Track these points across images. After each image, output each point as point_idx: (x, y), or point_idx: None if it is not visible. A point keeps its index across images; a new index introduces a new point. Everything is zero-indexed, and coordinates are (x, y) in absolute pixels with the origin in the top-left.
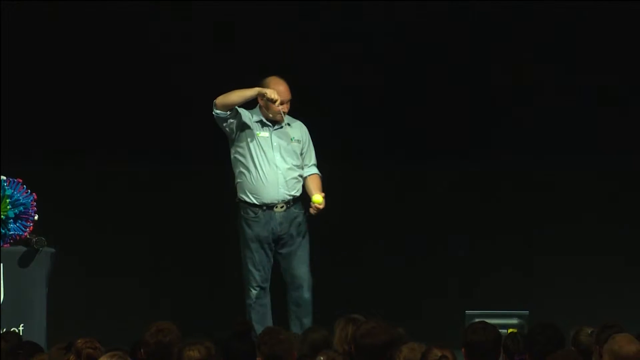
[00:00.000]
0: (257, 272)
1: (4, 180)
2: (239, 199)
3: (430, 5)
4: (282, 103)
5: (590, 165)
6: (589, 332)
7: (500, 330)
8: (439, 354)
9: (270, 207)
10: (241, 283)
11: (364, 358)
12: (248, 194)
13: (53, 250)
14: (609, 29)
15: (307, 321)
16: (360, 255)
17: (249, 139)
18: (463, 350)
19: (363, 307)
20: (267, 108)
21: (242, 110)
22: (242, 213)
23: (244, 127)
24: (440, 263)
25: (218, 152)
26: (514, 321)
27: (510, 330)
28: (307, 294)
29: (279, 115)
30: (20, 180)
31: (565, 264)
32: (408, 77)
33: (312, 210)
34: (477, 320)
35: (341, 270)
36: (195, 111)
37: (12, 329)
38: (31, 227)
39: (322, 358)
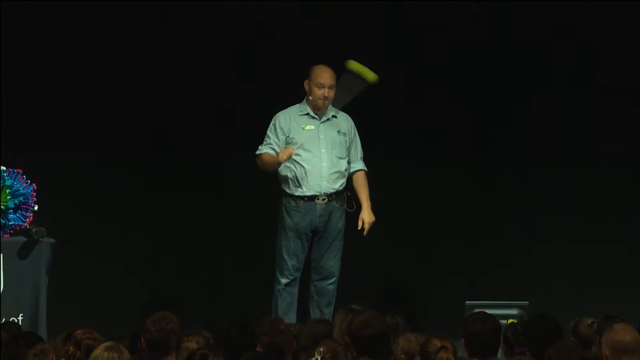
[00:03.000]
0: (291, 260)
1: (4, 170)
2: (282, 189)
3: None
4: (327, 87)
5: (591, 157)
6: (589, 322)
7: (500, 321)
8: (439, 344)
9: (311, 198)
10: (242, 275)
11: (361, 349)
12: (291, 186)
13: (53, 240)
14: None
15: (328, 311)
16: (359, 246)
17: (295, 134)
18: (463, 340)
19: (362, 297)
20: (311, 94)
21: (281, 127)
22: (283, 201)
23: (290, 131)
24: (440, 254)
25: (220, 146)
26: (514, 312)
27: (510, 320)
28: (332, 286)
29: (320, 100)
30: (20, 171)
31: (566, 254)
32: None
33: (360, 227)
34: (477, 310)
35: (344, 261)
36: (197, 107)
37: (11, 319)
38: (31, 217)
39: (322, 349)
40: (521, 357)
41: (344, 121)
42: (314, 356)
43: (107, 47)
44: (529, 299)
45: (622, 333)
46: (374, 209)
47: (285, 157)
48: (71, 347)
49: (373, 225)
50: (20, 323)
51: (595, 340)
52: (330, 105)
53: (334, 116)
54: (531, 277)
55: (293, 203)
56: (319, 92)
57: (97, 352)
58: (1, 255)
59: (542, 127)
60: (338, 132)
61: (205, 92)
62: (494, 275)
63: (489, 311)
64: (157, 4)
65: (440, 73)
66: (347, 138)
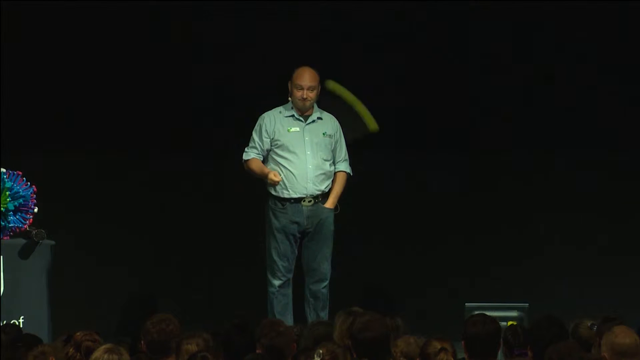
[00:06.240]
0: (282, 262)
1: (4, 172)
2: (268, 191)
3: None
4: (306, 88)
5: (590, 158)
6: (589, 324)
7: (500, 323)
8: (439, 346)
9: (297, 200)
10: (242, 277)
11: (362, 351)
12: (277, 188)
13: (53, 242)
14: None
15: (324, 314)
16: (360, 248)
17: (281, 136)
18: (463, 343)
19: (363, 299)
20: (292, 95)
21: (266, 129)
22: (269, 203)
23: (274, 133)
24: (441, 256)
25: (220, 146)
26: (514, 313)
27: (510, 322)
28: (325, 289)
29: (299, 102)
30: (20, 173)
31: (566, 255)
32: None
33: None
34: (476, 312)
35: (343, 263)
36: (196, 108)
37: (12, 321)
38: (31, 219)
39: (321, 351)
40: (521, 358)
41: (330, 123)
42: (313, 358)
43: (106, 48)
44: (529, 300)
45: (621, 336)
46: (376, 210)
47: (272, 181)
48: (71, 349)
49: (373, 225)
50: (21, 325)
51: (595, 343)
52: (316, 106)
53: (319, 118)
54: (531, 278)
55: (279, 205)
56: (297, 94)
57: (96, 354)
58: (1, 257)
59: (542, 127)
60: (323, 134)
61: (204, 92)
62: (494, 277)
63: (488, 313)
64: (153, 5)
65: (439, 72)
66: (333, 140)
